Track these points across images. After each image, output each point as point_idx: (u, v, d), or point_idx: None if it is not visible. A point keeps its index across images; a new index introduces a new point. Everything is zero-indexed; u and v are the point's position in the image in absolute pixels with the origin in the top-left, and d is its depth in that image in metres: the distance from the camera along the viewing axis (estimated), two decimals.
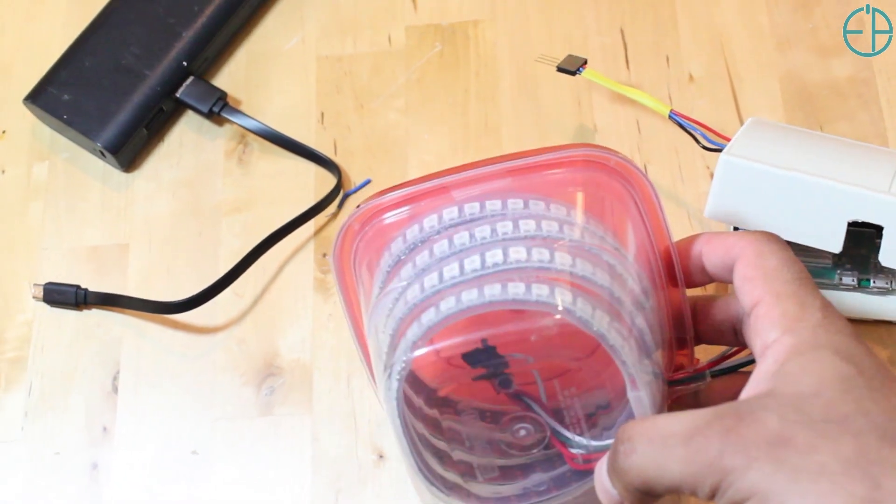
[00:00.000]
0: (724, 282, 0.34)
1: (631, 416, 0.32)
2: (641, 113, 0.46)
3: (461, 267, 0.31)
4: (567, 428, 0.34)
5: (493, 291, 0.31)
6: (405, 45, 0.49)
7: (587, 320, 0.30)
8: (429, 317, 0.31)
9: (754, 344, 0.31)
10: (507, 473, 0.35)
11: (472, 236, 0.32)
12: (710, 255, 0.34)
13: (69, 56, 0.48)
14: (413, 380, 0.33)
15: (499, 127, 0.47)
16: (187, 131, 0.49)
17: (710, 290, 0.41)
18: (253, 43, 0.50)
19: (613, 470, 0.30)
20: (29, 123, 0.49)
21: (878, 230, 0.38)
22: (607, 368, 0.32)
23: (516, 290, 0.30)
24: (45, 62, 0.49)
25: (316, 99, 0.49)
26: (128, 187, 0.48)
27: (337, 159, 0.47)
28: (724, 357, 0.35)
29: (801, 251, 0.40)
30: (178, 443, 0.43)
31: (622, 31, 0.49)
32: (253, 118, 0.48)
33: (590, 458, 0.34)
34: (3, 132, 0.50)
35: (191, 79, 0.48)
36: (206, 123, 0.49)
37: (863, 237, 0.39)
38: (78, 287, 0.45)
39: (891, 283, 0.41)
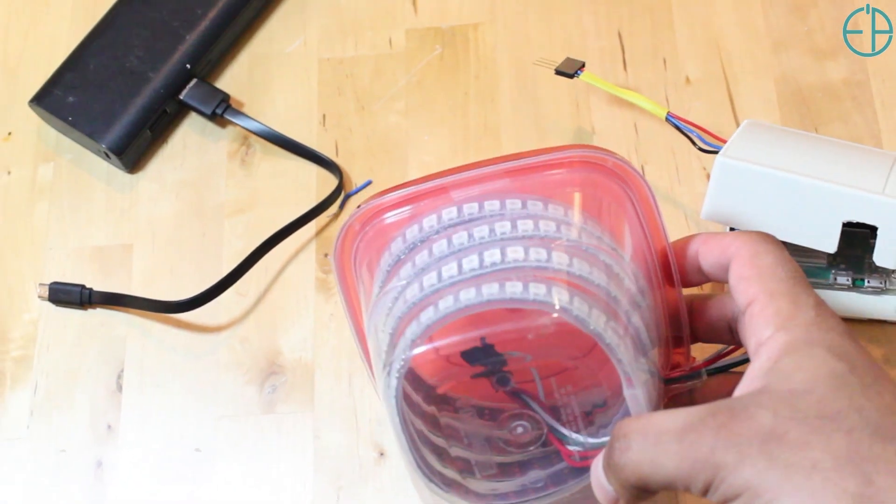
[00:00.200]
0: (720, 282, 0.35)
1: (627, 414, 0.32)
2: (639, 115, 0.47)
3: (459, 266, 0.32)
4: (564, 425, 0.34)
5: (490, 290, 0.31)
6: (406, 48, 0.50)
7: (584, 319, 0.31)
8: (427, 315, 0.31)
9: (748, 342, 0.31)
10: (505, 470, 0.35)
11: (470, 236, 0.33)
12: (707, 255, 0.34)
13: (74, 59, 0.49)
14: (412, 377, 0.33)
15: (498, 129, 0.48)
16: (191, 133, 0.49)
17: (706, 289, 0.41)
18: (255, 45, 0.51)
19: (609, 467, 0.30)
20: (34, 125, 0.50)
21: (872, 230, 0.38)
22: (604, 367, 0.32)
23: (514, 289, 0.31)
24: (50, 65, 0.49)
25: (317, 101, 0.49)
26: (132, 188, 0.48)
27: (338, 160, 0.48)
28: (719, 356, 0.36)
29: (796, 251, 0.41)
30: (182, 440, 0.43)
31: (620, 35, 0.49)
32: (255, 120, 0.48)
33: (587, 456, 0.34)
34: (9, 134, 0.50)
35: (194, 81, 0.48)
36: (210, 125, 0.49)
37: (857, 237, 0.39)
38: (83, 287, 0.45)
39: (885, 282, 0.41)
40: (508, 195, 0.34)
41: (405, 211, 0.34)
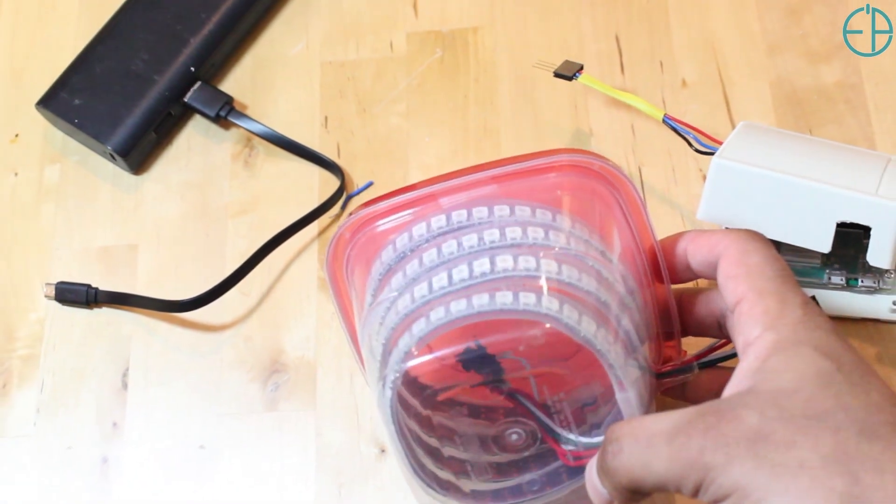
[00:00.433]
0: (709, 279, 0.35)
1: (619, 416, 0.33)
2: (636, 117, 0.47)
3: (450, 277, 0.32)
4: (557, 425, 0.35)
5: (481, 301, 0.31)
6: (406, 51, 0.50)
7: (574, 327, 0.31)
8: (419, 327, 0.32)
9: (737, 340, 0.31)
10: (500, 471, 0.36)
11: (459, 245, 0.33)
12: (695, 253, 0.34)
13: (80, 62, 0.49)
14: (409, 381, 0.33)
15: (497, 130, 0.48)
16: (195, 135, 0.50)
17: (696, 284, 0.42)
18: (259, 49, 0.51)
19: (602, 470, 0.30)
20: (41, 127, 0.50)
21: (865, 231, 0.38)
22: (595, 365, 0.32)
23: (504, 299, 0.31)
24: (56, 68, 0.49)
25: (320, 103, 0.50)
26: (137, 189, 0.49)
27: (340, 162, 0.48)
28: (711, 349, 0.36)
29: (790, 251, 0.41)
30: (186, 437, 0.43)
31: (617, 38, 0.49)
32: (259, 122, 0.48)
33: (580, 456, 0.34)
34: (16, 136, 0.50)
35: (198, 84, 0.49)
36: (213, 127, 0.50)
37: (851, 237, 0.40)
38: (89, 286, 0.46)
39: (878, 282, 0.41)
40: (496, 201, 0.34)
41: (395, 219, 0.35)
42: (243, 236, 0.47)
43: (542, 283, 0.31)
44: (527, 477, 0.35)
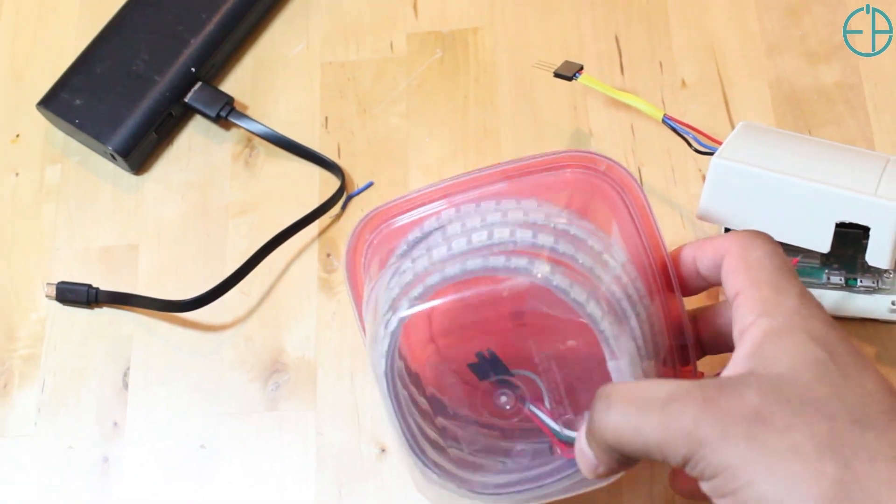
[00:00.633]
0: (719, 284, 0.35)
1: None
2: (636, 117, 0.47)
3: (449, 248, 0.33)
4: (557, 420, 0.35)
5: (474, 263, 0.32)
6: (407, 52, 0.50)
7: (564, 289, 0.31)
8: (417, 291, 0.33)
9: (734, 330, 0.31)
10: (489, 446, 0.36)
11: (463, 226, 0.34)
12: (703, 258, 0.34)
13: (81, 62, 0.49)
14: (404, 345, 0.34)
15: (497, 131, 0.48)
16: (195, 135, 0.50)
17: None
18: (259, 49, 0.51)
19: (590, 428, 0.30)
20: (42, 127, 0.50)
21: (864, 231, 0.38)
22: (598, 357, 0.32)
23: (496, 261, 0.32)
24: (57, 68, 0.49)
25: (320, 104, 0.50)
26: (138, 189, 0.49)
27: (340, 162, 0.48)
28: None
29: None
30: (187, 437, 0.44)
31: (617, 38, 0.49)
32: (259, 122, 0.49)
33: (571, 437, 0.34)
34: (17, 136, 0.50)
35: (199, 84, 0.49)
36: (214, 128, 0.50)
37: (850, 238, 0.40)
38: (89, 286, 0.46)
39: (877, 282, 0.42)
40: (504, 196, 0.35)
41: (410, 215, 0.36)
42: (244, 236, 0.47)
43: (538, 251, 0.32)
44: (517, 450, 0.35)
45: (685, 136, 0.43)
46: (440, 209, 0.35)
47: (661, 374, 0.34)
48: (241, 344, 0.45)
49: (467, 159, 0.48)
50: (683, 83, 0.48)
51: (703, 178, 0.45)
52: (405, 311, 0.33)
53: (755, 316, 0.30)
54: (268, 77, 0.50)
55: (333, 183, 0.48)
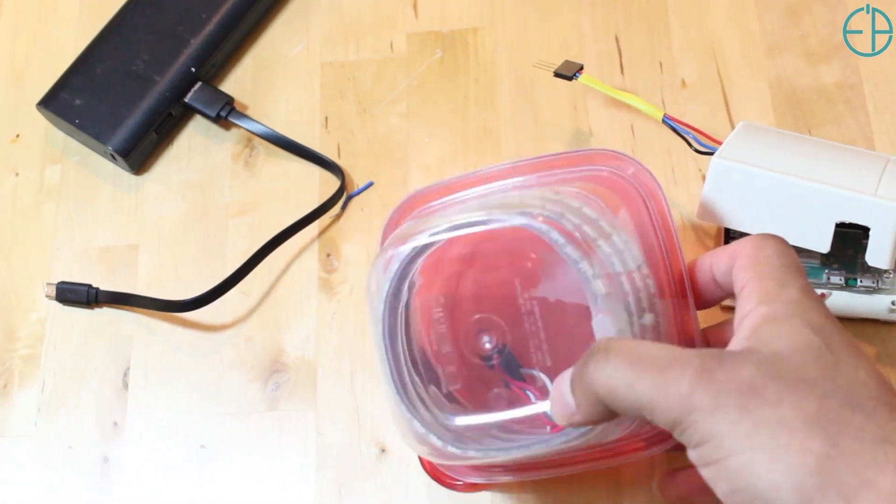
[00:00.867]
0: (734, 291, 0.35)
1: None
2: (636, 117, 0.47)
3: (462, 208, 0.36)
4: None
5: (478, 214, 0.34)
6: (406, 52, 0.50)
7: (560, 243, 0.32)
8: (421, 236, 0.35)
9: (735, 319, 0.31)
10: (469, 388, 0.36)
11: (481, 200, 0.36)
12: (719, 263, 0.34)
13: (81, 62, 0.49)
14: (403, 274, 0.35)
15: (498, 130, 0.48)
16: (195, 135, 0.50)
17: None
18: (259, 49, 0.51)
19: (580, 377, 0.30)
20: (42, 127, 0.50)
21: (864, 231, 0.38)
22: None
23: (499, 213, 0.33)
24: (57, 68, 0.50)
25: (320, 104, 0.50)
26: (138, 189, 0.49)
27: (340, 162, 0.48)
28: None
29: None
30: (187, 437, 0.44)
31: (617, 38, 0.49)
32: (259, 122, 0.49)
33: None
34: (17, 136, 0.51)
35: (199, 84, 0.49)
36: (214, 128, 0.50)
37: (850, 238, 0.40)
38: (89, 286, 0.46)
39: (877, 282, 0.42)
40: (531, 186, 0.36)
41: (442, 201, 0.38)
42: (244, 236, 0.47)
43: (537, 212, 0.33)
44: (494, 394, 0.36)
45: (685, 136, 0.43)
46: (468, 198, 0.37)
47: None
48: (241, 344, 0.45)
49: (467, 159, 0.48)
50: (683, 83, 0.48)
51: (703, 178, 0.45)
52: (403, 247, 0.34)
53: (755, 304, 0.30)
54: (268, 77, 0.51)
55: (333, 183, 0.48)
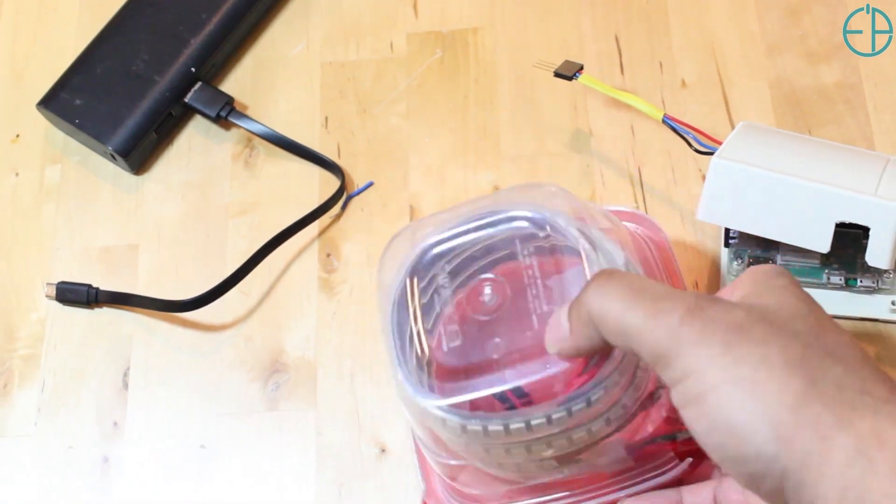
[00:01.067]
0: None
1: None
2: (636, 117, 0.47)
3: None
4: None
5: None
6: (406, 52, 0.50)
7: (561, 225, 0.34)
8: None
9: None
10: (466, 333, 0.35)
11: None
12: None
13: (81, 62, 0.49)
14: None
15: (498, 130, 0.48)
16: (195, 135, 0.50)
17: None
18: (259, 49, 0.51)
19: (578, 301, 0.30)
20: (42, 127, 0.50)
21: (864, 231, 0.38)
22: None
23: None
24: (57, 68, 0.50)
25: (320, 104, 0.50)
26: (138, 189, 0.49)
27: (340, 162, 0.48)
28: None
29: (790, 251, 0.41)
30: (187, 437, 0.44)
31: (617, 38, 0.49)
32: (259, 122, 0.49)
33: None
34: (17, 136, 0.51)
35: (199, 84, 0.49)
36: (214, 128, 0.50)
37: (850, 238, 0.40)
38: (89, 286, 0.46)
39: (877, 282, 0.42)
40: None
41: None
42: (244, 236, 0.47)
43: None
44: (496, 343, 0.35)
45: (685, 136, 0.43)
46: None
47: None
48: (241, 344, 0.45)
49: (467, 159, 0.48)
50: (683, 83, 0.48)
51: (703, 178, 0.45)
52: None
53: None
54: (268, 77, 0.51)
55: (333, 183, 0.48)
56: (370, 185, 0.48)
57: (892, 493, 0.25)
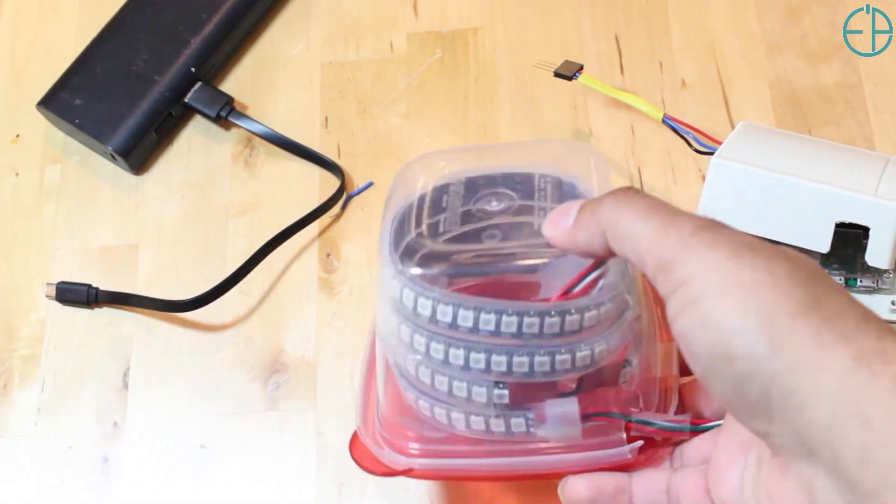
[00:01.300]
0: None
1: None
2: (636, 117, 0.47)
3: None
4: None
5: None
6: (406, 52, 0.50)
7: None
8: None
9: None
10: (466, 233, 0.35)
11: None
12: None
13: (81, 62, 0.49)
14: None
15: (497, 130, 0.48)
16: (195, 135, 0.50)
17: None
18: (259, 49, 0.51)
19: (592, 203, 0.30)
20: (42, 127, 0.50)
21: (864, 231, 0.38)
22: None
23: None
24: (57, 68, 0.50)
25: (320, 104, 0.50)
26: (138, 189, 0.49)
27: (340, 162, 0.48)
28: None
29: None
30: (187, 437, 0.44)
31: (617, 38, 0.50)
32: (259, 122, 0.49)
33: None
34: (17, 136, 0.51)
35: (199, 84, 0.49)
36: (214, 128, 0.50)
37: (850, 238, 0.40)
38: (89, 286, 0.46)
39: (877, 282, 0.42)
40: None
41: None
42: (244, 236, 0.47)
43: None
44: (491, 236, 0.35)
45: (685, 136, 0.44)
46: None
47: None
48: (241, 344, 0.45)
49: None
50: (683, 83, 0.48)
51: (703, 178, 0.45)
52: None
53: None
54: (268, 77, 0.51)
55: (333, 183, 0.48)
56: (370, 185, 0.48)
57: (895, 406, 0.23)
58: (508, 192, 0.35)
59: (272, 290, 0.46)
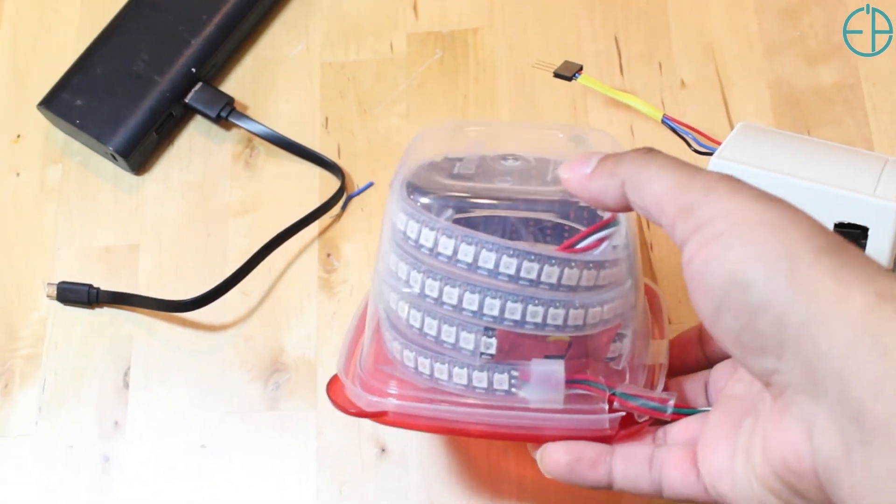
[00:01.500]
0: None
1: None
2: (635, 118, 0.47)
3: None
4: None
5: None
6: (406, 52, 0.51)
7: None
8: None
9: None
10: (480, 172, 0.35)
11: None
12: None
13: (82, 63, 0.49)
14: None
15: None
16: (196, 135, 0.50)
17: None
18: (259, 50, 0.51)
19: (617, 154, 0.30)
20: (43, 128, 0.50)
21: (863, 231, 0.38)
22: None
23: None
24: (58, 69, 0.50)
25: (320, 104, 0.50)
26: (138, 190, 0.49)
27: (341, 163, 0.48)
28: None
29: None
30: (188, 436, 0.44)
31: (616, 39, 0.50)
32: (259, 123, 0.49)
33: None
34: (18, 136, 0.51)
35: (199, 85, 0.49)
36: (214, 128, 0.50)
37: (849, 238, 0.38)
38: (90, 286, 0.46)
39: None
40: None
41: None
42: (244, 236, 0.47)
43: None
44: (504, 183, 0.35)
45: (684, 136, 0.44)
46: None
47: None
48: (242, 343, 0.45)
49: None
50: (682, 83, 0.48)
51: None
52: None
53: None
54: (268, 77, 0.51)
55: (333, 183, 0.48)
56: (370, 185, 0.48)
57: None
58: (526, 155, 0.35)
59: (272, 289, 0.46)
